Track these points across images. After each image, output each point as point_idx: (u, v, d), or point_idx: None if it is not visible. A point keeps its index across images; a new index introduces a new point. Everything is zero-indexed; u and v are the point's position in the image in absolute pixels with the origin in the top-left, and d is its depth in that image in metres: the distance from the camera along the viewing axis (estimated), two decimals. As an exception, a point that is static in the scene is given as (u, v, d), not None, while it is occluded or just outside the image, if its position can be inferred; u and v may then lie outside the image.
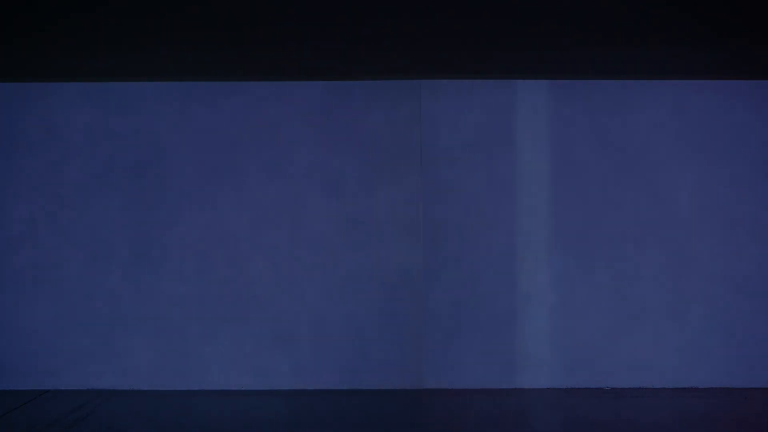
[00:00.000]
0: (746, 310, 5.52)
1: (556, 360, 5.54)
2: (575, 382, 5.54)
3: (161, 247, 5.58)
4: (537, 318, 5.54)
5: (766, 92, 5.52)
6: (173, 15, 4.00)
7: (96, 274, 5.58)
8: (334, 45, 4.58)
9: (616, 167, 5.55)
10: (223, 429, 4.69)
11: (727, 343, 5.52)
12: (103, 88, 5.57)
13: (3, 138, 5.59)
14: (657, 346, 5.52)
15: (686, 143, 5.54)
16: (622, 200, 5.54)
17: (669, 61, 5.05)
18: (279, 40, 4.47)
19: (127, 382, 5.58)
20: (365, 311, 5.56)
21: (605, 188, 5.55)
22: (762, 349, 5.52)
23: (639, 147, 5.54)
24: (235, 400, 5.31)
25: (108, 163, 5.58)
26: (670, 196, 5.54)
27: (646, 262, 5.54)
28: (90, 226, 5.58)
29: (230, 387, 5.57)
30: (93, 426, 4.74)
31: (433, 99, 5.54)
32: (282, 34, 4.36)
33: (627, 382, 5.53)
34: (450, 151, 5.55)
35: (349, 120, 5.57)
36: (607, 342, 5.53)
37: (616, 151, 5.55)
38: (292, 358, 5.57)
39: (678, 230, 5.54)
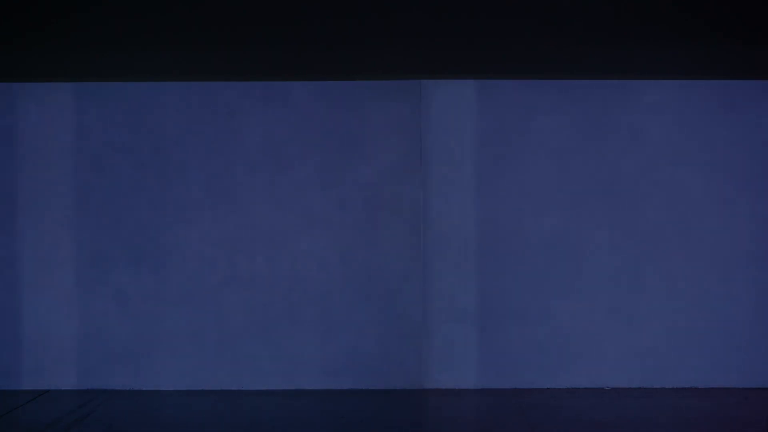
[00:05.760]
0: (746, 310, 5.52)
1: (556, 360, 5.54)
2: (575, 382, 5.54)
3: (163, 246, 5.58)
4: (537, 318, 5.54)
5: (765, 91, 5.53)
6: (174, 15, 4.00)
7: (96, 273, 5.58)
8: (334, 45, 4.58)
9: (615, 168, 5.55)
10: (223, 429, 4.69)
11: (727, 343, 5.52)
12: (104, 88, 5.58)
13: (3, 137, 5.59)
14: (657, 345, 5.53)
15: (686, 143, 5.54)
16: (622, 201, 5.54)
17: (668, 61, 5.06)
18: (279, 40, 4.48)
19: (127, 382, 5.58)
20: (365, 311, 5.56)
21: (606, 188, 5.55)
22: (762, 349, 5.52)
23: (639, 147, 5.54)
24: (235, 400, 5.31)
25: (108, 162, 5.59)
26: (670, 197, 5.54)
27: (644, 265, 5.54)
28: (90, 225, 5.58)
29: (230, 387, 5.57)
30: (93, 426, 4.74)
31: (433, 99, 5.55)
32: (282, 34, 4.36)
33: (627, 382, 5.54)
34: (450, 150, 5.55)
35: (349, 120, 5.58)
36: (607, 342, 5.54)
37: (617, 150, 5.55)
38: (291, 358, 5.57)
39: (678, 231, 5.54)
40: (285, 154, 5.59)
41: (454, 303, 5.54)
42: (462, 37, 4.44)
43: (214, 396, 5.42)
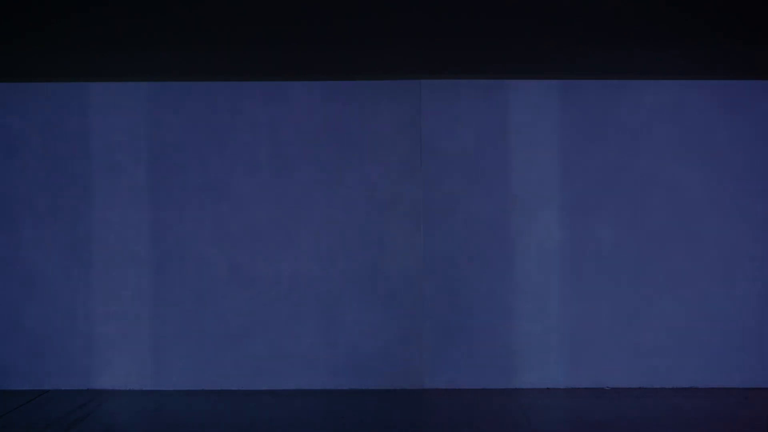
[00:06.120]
0: (746, 310, 5.52)
1: (557, 360, 5.54)
2: (575, 382, 5.54)
3: (162, 246, 5.58)
4: (537, 318, 5.54)
5: (765, 91, 5.53)
6: (174, 15, 4.00)
7: (96, 273, 5.58)
8: (334, 45, 4.58)
9: (615, 168, 5.55)
10: (223, 429, 4.69)
11: (727, 343, 5.52)
12: (103, 88, 5.58)
13: (5, 138, 5.59)
14: (657, 346, 5.53)
15: (684, 142, 5.54)
16: (622, 202, 5.54)
17: (668, 61, 5.06)
18: (279, 40, 4.47)
19: (127, 382, 5.58)
20: (366, 311, 5.56)
21: (607, 188, 5.55)
22: (762, 349, 5.52)
23: (638, 147, 5.54)
24: (235, 400, 5.31)
25: (108, 162, 5.59)
26: (670, 196, 5.54)
27: (644, 265, 5.54)
28: (90, 225, 5.58)
29: (230, 387, 5.57)
30: (93, 426, 4.75)
31: (433, 98, 5.54)
32: (282, 34, 4.36)
33: (627, 382, 5.54)
34: (450, 149, 5.55)
35: (349, 120, 5.58)
36: (607, 342, 5.54)
37: (615, 151, 5.55)
38: (291, 358, 5.57)
39: (679, 231, 5.54)
40: (286, 154, 5.60)
41: (454, 302, 5.54)
42: (462, 37, 4.44)
43: (214, 396, 5.42)
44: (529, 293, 5.54)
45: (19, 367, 5.59)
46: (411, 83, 5.56)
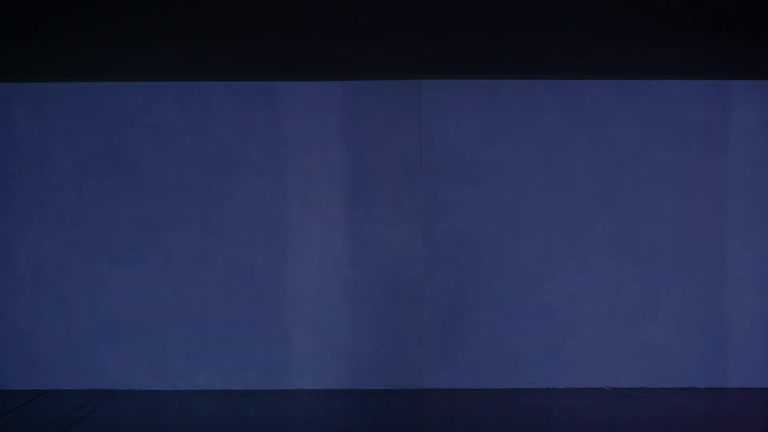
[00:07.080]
0: (747, 310, 5.52)
1: (557, 360, 5.54)
2: (575, 381, 5.54)
3: (161, 247, 5.58)
4: (538, 318, 5.54)
5: (765, 91, 5.53)
6: (174, 15, 4.00)
7: (96, 273, 5.58)
8: (334, 45, 4.59)
9: (618, 167, 5.55)
10: (223, 429, 4.69)
11: (727, 343, 5.52)
12: (102, 88, 5.58)
13: (6, 137, 5.59)
14: (657, 345, 5.53)
15: (684, 142, 5.55)
16: (620, 201, 5.54)
17: (668, 61, 5.06)
18: (279, 40, 4.48)
19: (127, 382, 5.58)
20: (366, 312, 5.56)
21: (607, 189, 5.55)
22: (762, 349, 5.52)
23: (639, 146, 5.54)
24: (235, 400, 5.31)
25: (107, 162, 5.59)
26: (669, 197, 5.54)
27: (644, 265, 5.54)
28: (89, 225, 5.58)
29: (231, 387, 5.57)
30: (93, 426, 4.75)
31: (433, 98, 5.54)
32: (282, 34, 4.37)
33: (627, 382, 5.54)
34: (451, 149, 5.55)
35: (349, 120, 5.58)
36: (607, 342, 5.54)
37: (618, 150, 5.55)
38: (291, 357, 5.58)
39: (678, 231, 5.54)
40: (285, 155, 5.59)
41: (454, 302, 5.54)
42: (462, 37, 4.44)
43: (214, 396, 5.42)
44: (530, 293, 5.54)
45: (19, 367, 5.59)
46: (411, 83, 5.56)
